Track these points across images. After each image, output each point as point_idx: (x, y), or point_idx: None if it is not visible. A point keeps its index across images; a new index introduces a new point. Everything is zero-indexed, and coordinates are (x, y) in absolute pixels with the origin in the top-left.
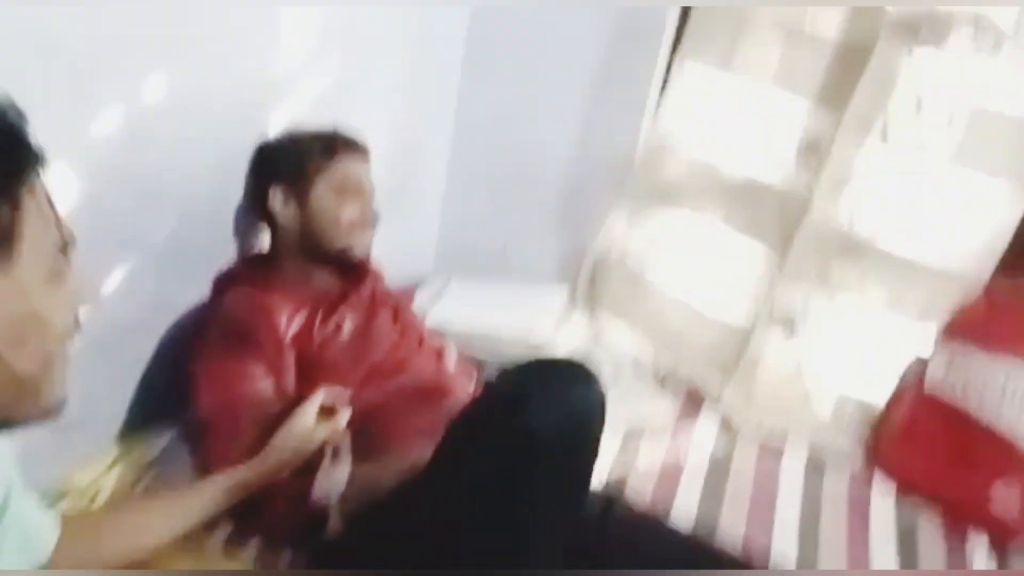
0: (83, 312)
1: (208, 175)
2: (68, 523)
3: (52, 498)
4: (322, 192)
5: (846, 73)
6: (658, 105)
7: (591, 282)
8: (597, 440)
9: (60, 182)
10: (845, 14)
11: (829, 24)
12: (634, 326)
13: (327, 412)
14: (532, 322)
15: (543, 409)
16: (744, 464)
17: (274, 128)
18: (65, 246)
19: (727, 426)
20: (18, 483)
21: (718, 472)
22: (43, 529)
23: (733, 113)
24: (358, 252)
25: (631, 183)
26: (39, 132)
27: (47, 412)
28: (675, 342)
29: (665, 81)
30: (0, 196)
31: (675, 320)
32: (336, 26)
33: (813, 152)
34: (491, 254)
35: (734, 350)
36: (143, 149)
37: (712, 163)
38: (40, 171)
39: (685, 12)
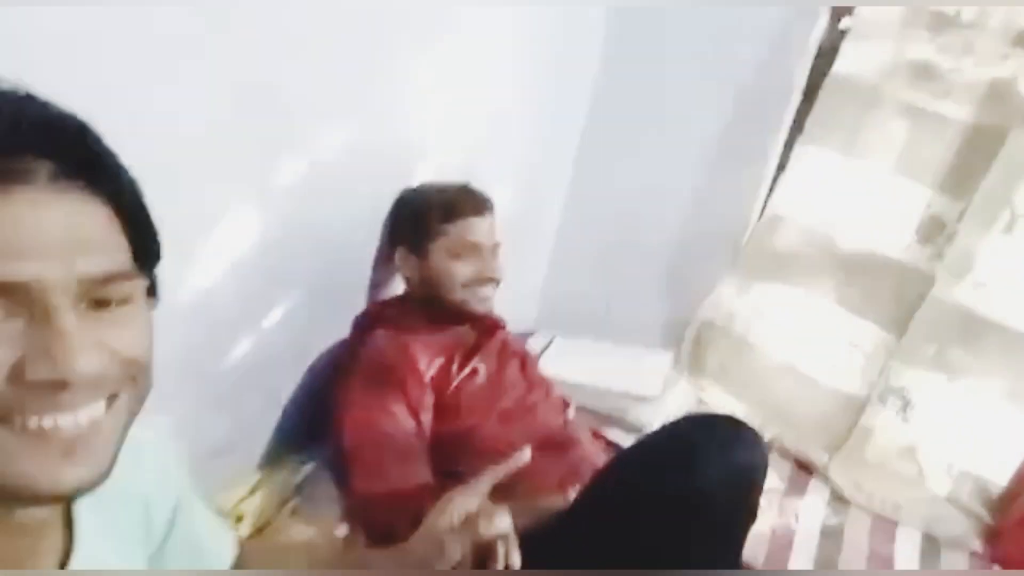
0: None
1: (363, 224)
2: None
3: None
4: (439, 254)
5: (973, 157)
6: (775, 181)
7: (696, 348)
8: (758, 500)
9: (244, 225)
10: (979, 95)
11: (959, 106)
12: (739, 394)
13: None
14: (638, 382)
15: (716, 468)
16: (857, 536)
17: (418, 181)
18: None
19: (839, 498)
20: (189, 500)
21: (831, 543)
22: (217, 551)
23: (853, 193)
24: (475, 307)
25: (743, 252)
26: (231, 178)
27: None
28: (782, 411)
29: (784, 158)
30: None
31: (782, 388)
32: (476, 91)
33: (936, 232)
34: (593, 314)
35: (844, 421)
36: (312, 198)
37: (828, 234)
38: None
39: (809, 91)
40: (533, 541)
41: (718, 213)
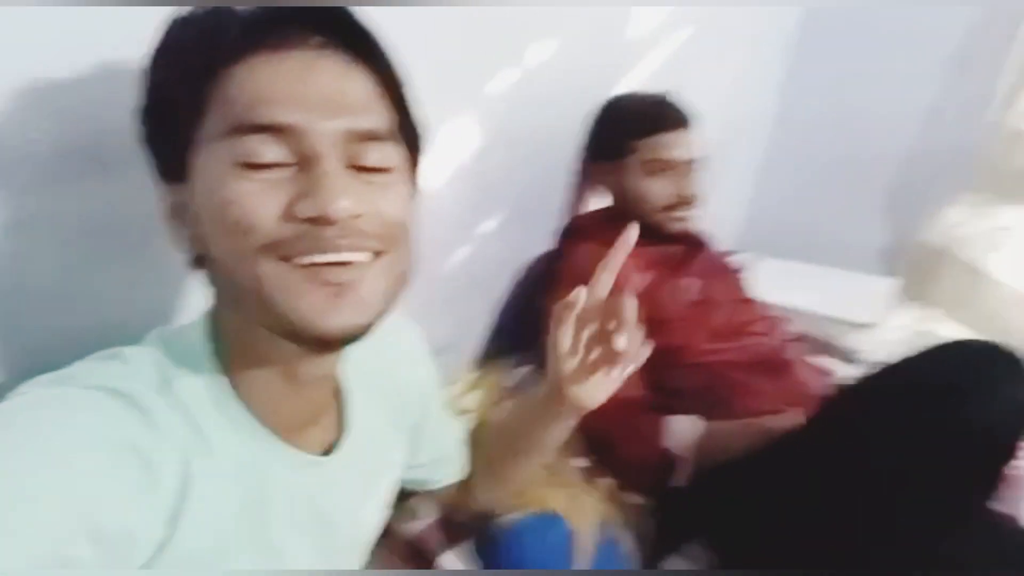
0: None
1: (572, 135)
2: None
3: None
4: (633, 171)
5: None
6: (1012, 96)
7: (921, 274)
8: (1016, 435)
9: (461, 135)
10: None
11: None
12: (972, 324)
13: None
14: (853, 307)
15: (990, 401)
16: None
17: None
18: (255, 128)
19: None
20: (436, 390)
21: None
22: (455, 453)
23: None
24: (672, 228)
25: (977, 171)
26: (446, 90)
27: (294, 330)
28: (1019, 343)
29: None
30: (217, 66)
31: (1021, 319)
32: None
33: None
34: (802, 236)
35: None
36: (524, 108)
37: None
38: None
39: None
40: (757, 462)
41: (948, 129)
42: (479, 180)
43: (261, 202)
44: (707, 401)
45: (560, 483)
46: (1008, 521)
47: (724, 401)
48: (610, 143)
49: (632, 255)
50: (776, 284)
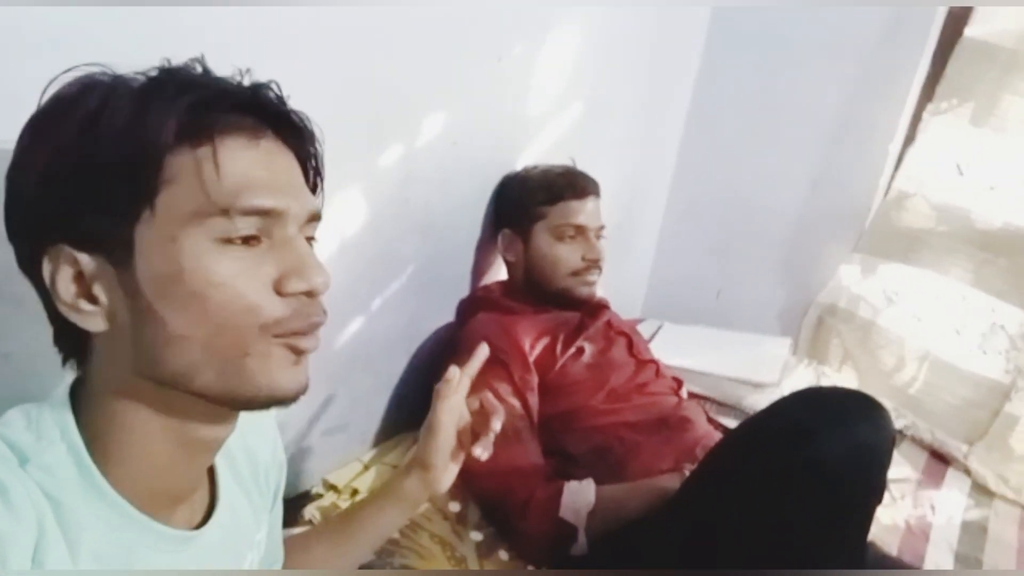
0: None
1: (466, 208)
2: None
3: (315, 495)
4: (542, 237)
5: None
6: (900, 156)
7: (817, 333)
8: (885, 473)
9: (350, 209)
10: None
11: None
12: (865, 380)
13: None
14: (754, 368)
15: (836, 441)
16: (1004, 531)
17: (521, 166)
18: (249, 211)
19: (981, 489)
20: (280, 493)
21: (973, 537)
22: (280, 545)
23: (990, 166)
24: (578, 293)
25: (869, 232)
26: (337, 160)
27: (252, 397)
28: (914, 398)
29: (910, 132)
30: (161, 150)
31: (914, 375)
32: (580, 76)
33: None
34: (703, 301)
35: (985, 409)
36: (417, 183)
37: (963, 210)
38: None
39: (937, 64)
40: (647, 524)
41: (839, 191)
42: (371, 253)
43: (251, 281)
44: (603, 464)
45: (447, 545)
46: (912, 569)
47: (620, 462)
48: (520, 209)
49: (529, 323)
50: (678, 348)
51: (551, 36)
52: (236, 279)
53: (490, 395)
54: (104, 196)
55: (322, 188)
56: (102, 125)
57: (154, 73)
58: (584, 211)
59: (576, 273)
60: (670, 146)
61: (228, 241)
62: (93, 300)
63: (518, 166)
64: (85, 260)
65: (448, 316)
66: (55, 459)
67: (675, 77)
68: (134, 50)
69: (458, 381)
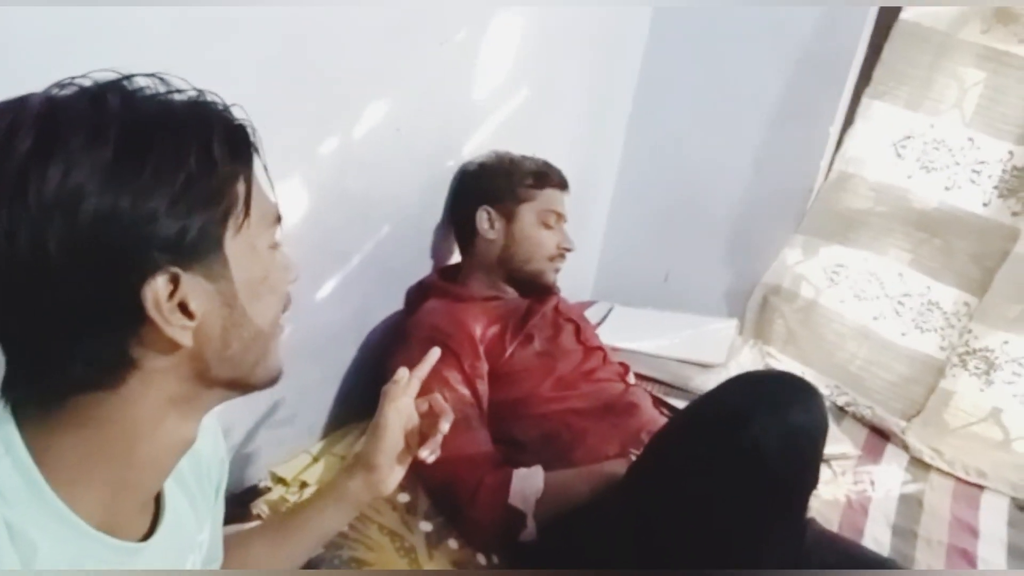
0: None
1: (410, 196)
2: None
3: (263, 489)
4: (528, 218)
5: None
6: (840, 138)
7: (762, 314)
8: (819, 457)
9: (290, 198)
10: None
11: None
12: (809, 359)
13: None
14: (700, 349)
15: (768, 425)
16: (939, 503)
17: (468, 154)
18: (278, 219)
19: (918, 463)
20: (223, 492)
21: (910, 510)
22: (220, 543)
23: (926, 148)
24: (547, 278)
25: (811, 213)
26: (274, 150)
27: (271, 377)
28: (855, 376)
29: (849, 114)
30: (242, 172)
31: (855, 353)
32: (524, 62)
33: (1020, 185)
34: (652, 284)
35: (922, 385)
36: (358, 171)
37: (901, 192)
38: (259, 153)
39: (875, 46)
40: (594, 509)
41: (781, 174)
42: (312, 243)
43: (281, 272)
44: (551, 450)
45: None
46: (850, 544)
47: (568, 448)
48: (507, 188)
49: (478, 310)
50: (627, 330)
51: (494, 21)
52: (279, 272)
53: (439, 397)
54: (208, 215)
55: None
56: (212, 152)
57: (195, 97)
58: (564, 201)
59: (551, 259)
60: (616, 130)
61: (275, 246)
62: (191, 316)
63: (464, 153)
64: (187, 278)
65: (396, 304)
66: (2, 478)
67: (620, 62)
68: (65, 43)
69: (407, 382)
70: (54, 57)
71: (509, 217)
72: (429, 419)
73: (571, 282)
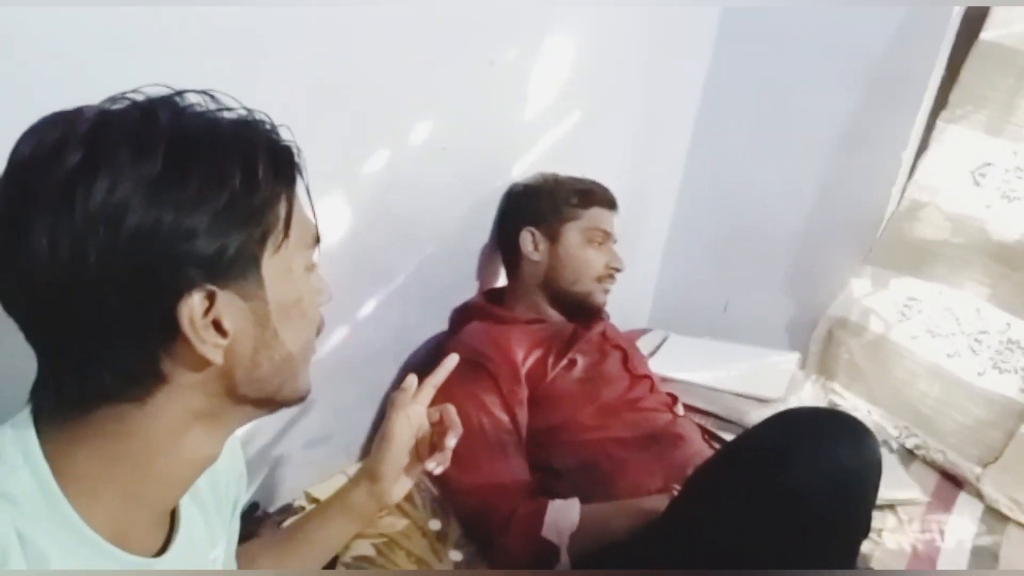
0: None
1: (455, 217)
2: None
3: (297, 509)
4: (573, 238)
5: None
6: (913, 166)
7: (826, 347)
8: (870, 502)
9: (330, 217)
10: None
11: None
12: (875, 397)
13: None
14: (759, 383)
15: (811, 466)
16: (1017, 558)
17: (517, 175)
18: (316, 241)
19: (994, 514)
20: (239, 511)
21: (983, 564)
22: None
23: (1007, 176)
24: (596, 299)
25: (880, 243)
26: (317, 166)
27: (299, 397)
28: (926, 417)
29: (924, 140)
30: (284, 193)
31: (926, 392)
32: (578, 83)
33: None
34: (710, 313)
35: (1001, 430)
36: (402, 191)
37: (978, 222)
38: (303, 175)
39: (952, 68)
40: (631, 546)
41: (849, 201)
42: (353, 262)
43: (315, 295)
44: (590, 480)
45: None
46: None
47: (607, 479)
48: (553, 208)
49: (521, 333)
50: (683, 360)
51: (547, 40)
52: (314, 299)
53: (452, 408)
54: (247, 235)
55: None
56: (255, 172)
57: (243, 116)
58: (612, 221)
59: (600, 279)
60: (675, 154)
61: (311, 268)
62: (224, 335)
63: (512, 174)
64: (223, 296)
65: (439, 326)
66: (18, 487)
67: (680, 83)
68: (106, 52)
69: (415, 390)
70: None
71: (553, 238)
72: (440, 429)
73: (627, 310)
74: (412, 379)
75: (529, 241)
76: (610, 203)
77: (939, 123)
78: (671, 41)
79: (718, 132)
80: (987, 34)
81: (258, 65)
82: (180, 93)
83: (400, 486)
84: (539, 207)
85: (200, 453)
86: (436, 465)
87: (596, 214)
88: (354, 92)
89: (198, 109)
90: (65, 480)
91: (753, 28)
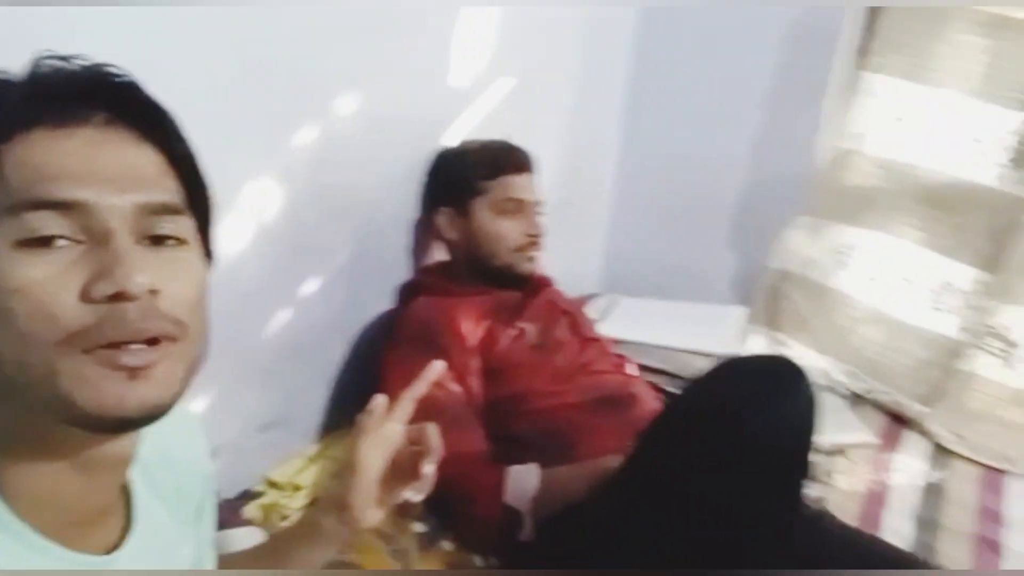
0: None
1: (391, 188)
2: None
3: (255, 493)
4: (483, 213)
5: None
6: (841, 113)
7: (771, 299)
8: (805, 443)
9: (263, 195)
10: None
11: None
12: (822, 345)
13: None
14: (709, 339)
15: (762, 414)
16: (963, 491)
17: (450, 143)
18: (48, 205)
19: (940, 450)
20: (212, 501)
21: (932, 500)
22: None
23: (932, 121)
24: (521, 269)
25: (814, 192)
26: (243, 148)
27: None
28: (871, 361)
29: (848, 88)
30: None
31: (870, 337)
32: (509, 45)
33: None
34: (660, 271)
35: (941, 368)
36: (334, 164)
37: (908, 167)
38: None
39: (871, 16)
40: (590, 506)
41: (780, 156)
42: (292, 240)
43: (55, 287)
44: (550, 446)
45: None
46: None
47: (567, 445)
48: (458, 186)
49: (469, 305)
50: (635, 322)
51: (471, 10)
52: (35, 286)
53: (432, 430)
54: None
55: (199, 182)
56: None
57: None
58: (524, 186)
59: (520, 249)
60: (612, 119)
61: (26, 244)
62: None
63: (445, 143)
64: None
65: (386, 301)
66: None
67: (612, 47)
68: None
69: (383, 412)
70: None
71: (465, 214)
72: (417, 450)
73: (576, 275)
74: (379, 401)
75: (444, 223)
76: (519, 167)
77: (862, 72)
78: (601, 9)
79: (654, 95)
80: None
81: (181, 45)
82: None
83: (373, 513)
84: (448, 185)
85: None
86: (414, 494)
87: (504, 183)
88: (278, 68)
89: None
90: None
91: None
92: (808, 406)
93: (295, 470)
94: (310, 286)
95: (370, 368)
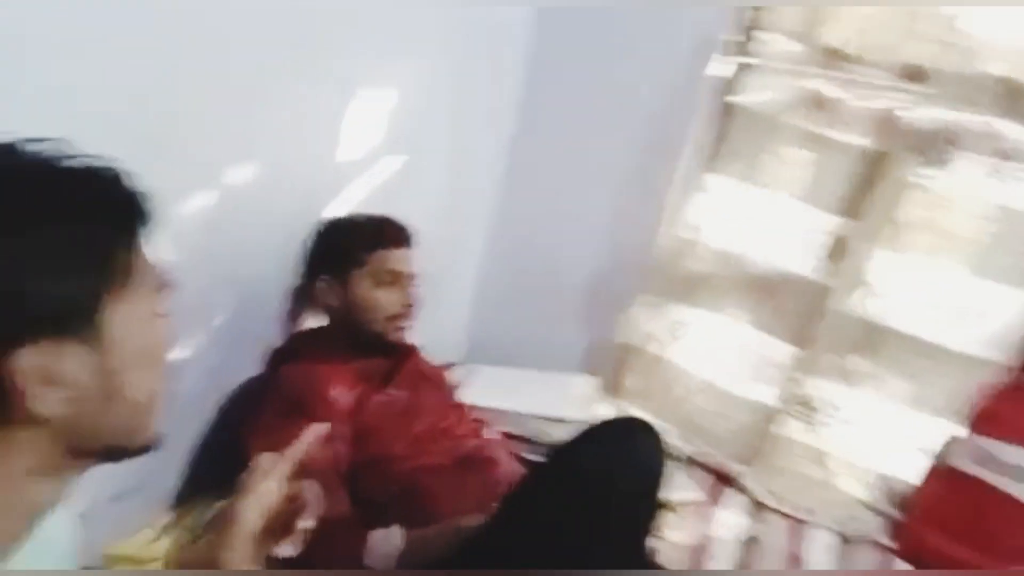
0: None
1: (272, 257)
2: None
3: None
4: (361, 284)
5: (868, 180)
6: (682, 207)
7: (616, 370)
8: (656, 488)
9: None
10: (868, 124)
11: (852, 134)
12: (659, 411)
13: None
14: (560, 405)
15: (597, 452)
16: (776, 540)
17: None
18: (162, 288)
19: (757, 504)
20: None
21: (750, 548)
22: None
23: (760, 218)
24: (392, 337)
25: (656, 274)
26: None
27: (149, 445)
28: (700, 426)
29: (691, 185)
30: (127, 241)
31: (700, 405)
32: (394, 127)
33: (838, 251)
34: (518, 344)
35: (759, 431)
36: (219, 232)
37: (739, 253)
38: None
39: (722, 123)
40: (460, 556)
41: (629, 240)
42: (172, 303)
43: (162, 342)
44: (410, 508)
45: None
46: None
47: (426, 506)
48: (340, 256)
49: (342, 371)
50: (492, 390)
51: (361, 89)
52: (161, 346)
53: (312, 488)
54: (87, 284)
55: None
56: (95, 220)
57: (87, 163)
58: (402, 259)
59: (393, 318)
60: (483, 199)
61: (158, 315)
62: (61, 387)
63: (328, 215)
64: (59, 348)
65: (250, 369)
66: None
67: (488, 131)
68: None
69: (265, 471)
70: None
71: (344, 284)
72: (293, 507)
73: (441, 345)
74: (264, 459)
75: (324, 290)
76: (398, 241)
77: (704, 173)
78: (478, 92)
79: (525, 176)
80: (737, 99)
81: (75, 106)
82: (26, 141)
83: (247, 566)
84: (329, 254)
85: (33, 502)
86: (290, 548)
87: (383, 256)
88: (174, 134)
89: (39, 156)
90: None
91: (556, 81)
92: (649, 455)
93: (149, 541)
94: (182, 352)
95: (231, 435)
